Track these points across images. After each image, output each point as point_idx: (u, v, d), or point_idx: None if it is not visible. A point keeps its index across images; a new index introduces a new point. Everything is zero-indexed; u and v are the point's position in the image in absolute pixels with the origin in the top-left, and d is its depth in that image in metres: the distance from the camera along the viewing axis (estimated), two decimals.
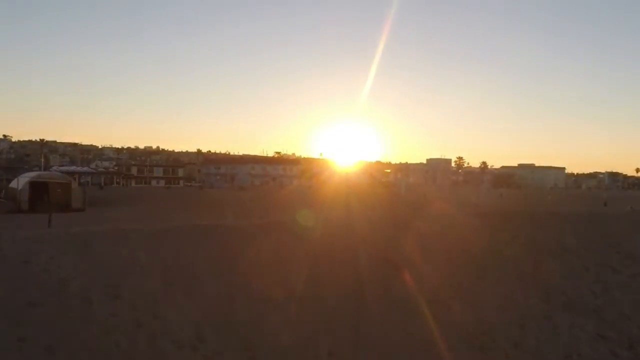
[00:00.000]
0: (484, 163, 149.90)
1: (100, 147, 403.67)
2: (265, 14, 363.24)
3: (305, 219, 13.01)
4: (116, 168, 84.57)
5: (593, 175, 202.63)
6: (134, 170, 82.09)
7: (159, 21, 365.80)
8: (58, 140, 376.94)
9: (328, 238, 11.61)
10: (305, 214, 14.53)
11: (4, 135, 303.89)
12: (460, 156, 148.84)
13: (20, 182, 34.75)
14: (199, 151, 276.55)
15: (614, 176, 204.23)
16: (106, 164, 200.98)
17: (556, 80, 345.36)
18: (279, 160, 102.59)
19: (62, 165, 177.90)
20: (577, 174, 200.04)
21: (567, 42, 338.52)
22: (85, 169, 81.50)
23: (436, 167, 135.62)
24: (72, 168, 79.11)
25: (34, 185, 34.95)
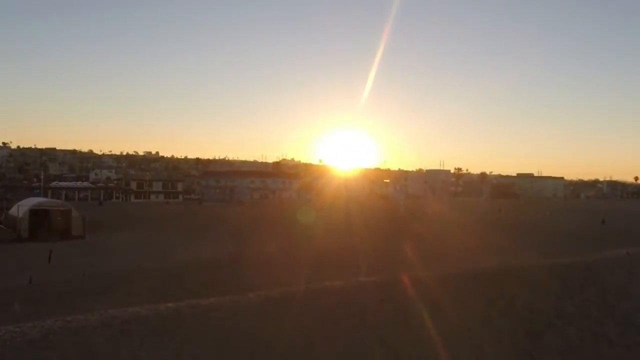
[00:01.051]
0: (482, 173, 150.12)
1: (100, 152, 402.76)
2: (268, 21, 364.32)
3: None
4: (115, 182, 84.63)
5: (592, 184, 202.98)
6: (133, 185, 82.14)
7: (160, 25, 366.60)
8: (57, 148, 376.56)
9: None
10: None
11: (3, 143, 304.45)
12: (459, 167, 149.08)
13: (21, 210, 34.87)
14: (198, 160, 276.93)
15: (612, 185, 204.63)
16: (105, 172, 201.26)
17: (555, 88, 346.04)
18: (278, 174, 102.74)
19: (62, 180, 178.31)
20: (577, 181, 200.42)
21: (566, 51, 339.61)
22: (85, 184, 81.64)
23: (435, 178, 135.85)
24: (72, 184, 79.24)
25: (34, 213, 35.09)
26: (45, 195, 73.01)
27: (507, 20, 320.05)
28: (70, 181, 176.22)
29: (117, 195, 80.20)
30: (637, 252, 21.52)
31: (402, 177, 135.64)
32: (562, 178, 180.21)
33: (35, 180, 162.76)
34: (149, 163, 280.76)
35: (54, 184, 77.34)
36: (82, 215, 36.68)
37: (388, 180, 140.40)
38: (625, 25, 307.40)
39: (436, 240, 37.69)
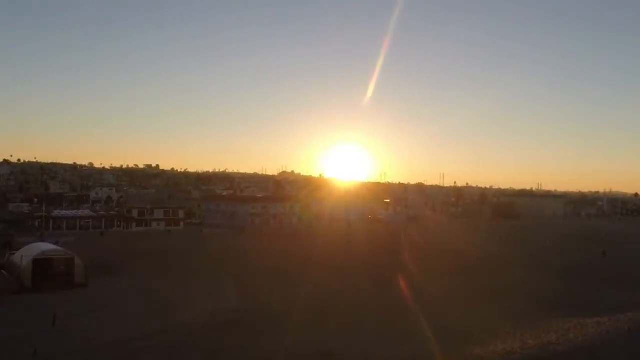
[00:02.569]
0: (483, 194, 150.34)
1: (100, 165, 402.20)
2: (269, 37, 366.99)
3: None
4: (117, 209, 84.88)
5: (592, 202, 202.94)
6: (134, 213, 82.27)
7: (162, 40, 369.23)
8: (58, 162, 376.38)
9: None
10: None
11: (5, 160, 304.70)
12: (459, 186, 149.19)
13: (24, 260, 35.08)
14: (198, 176, 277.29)
15: (613, 202, 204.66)
16: (106, 190, 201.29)
17: (556, 100, 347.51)
18: (278, 199, 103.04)
19: (62, 199, 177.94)
20: (577, 199, 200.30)
21: (567, 64, 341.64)
22: (87, 212, 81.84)
23: (435, 199, 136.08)
24: (73, 213, 79.43)
25: (37, 262, 35.29)
26: (47, 226, 73.41)
27: (508, 35, 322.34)
28: (71, 200, 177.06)
29: (119, 223, 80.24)
30: (637, 325, 21.53)
31: (403, 198, 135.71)
32: (562, 197, 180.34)
33: (35, 200, 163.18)
34: (150, 179, 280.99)
35: (56, 213, 77.43)
36: (85, 264, 36.89)
37: (388, 200, 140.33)
38: (626, 41, 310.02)
39: (435, 285, 37.81)
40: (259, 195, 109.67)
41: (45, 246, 37.96)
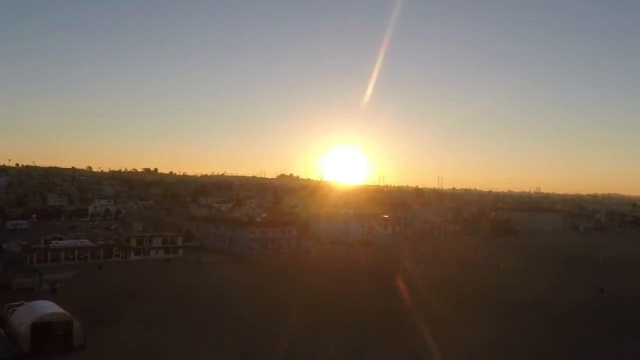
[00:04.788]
0: (482, 211, 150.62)
1: (99, 169, 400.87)
2: (268, 40, 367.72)
3: None
4: (115, 238, 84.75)
5: (590, 215, 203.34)
6: (133, 242, 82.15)
7: (161, 43, 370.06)
8: (56, 165, 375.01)
9: None
10: None
11: (3, 166, 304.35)
12: (459, 207, 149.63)
13: (23, 326, 34.95)
14: (196, 190, 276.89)
15: (611, 215, 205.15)
16: (104, 203, 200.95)
17: (556, 102, 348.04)
18: (277, 223, 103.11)
19: (60, 212, 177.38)
20: (575, 213, 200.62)
21: (567, 66, 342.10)
22: (86, 241, 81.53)
23: (433, 219, 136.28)
24: (71, 243, 79.25)
25: (36, 327, 35.14)
26: (45, 259, 73.24)
27: (507, 39, 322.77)
28: (70, 214, 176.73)
29: (117, 252, 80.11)
30: None
31: (402, 215, 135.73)
32: (560, 212, 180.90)
33: (34, 216, 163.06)
34: (148, 188, 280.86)
35: (54, 244, 77.21)
36: (84, 325, 36.76)
37: (387, 216, 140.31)
38: (628, 49, 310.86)
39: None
40: (257, 219, 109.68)
41: (44, 308, 37.76)
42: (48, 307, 38.21)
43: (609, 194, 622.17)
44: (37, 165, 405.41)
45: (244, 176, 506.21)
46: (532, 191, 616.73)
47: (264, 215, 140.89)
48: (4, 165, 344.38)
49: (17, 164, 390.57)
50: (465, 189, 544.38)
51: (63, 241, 79.91)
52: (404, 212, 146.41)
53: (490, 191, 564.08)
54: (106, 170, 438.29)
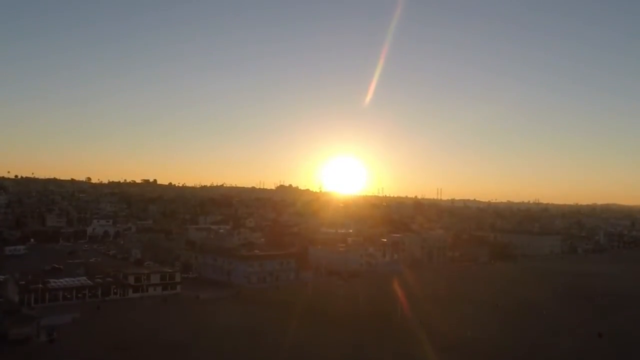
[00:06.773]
0: (481, 236, 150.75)
1: (98, 180, 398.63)
2: (268, 48, 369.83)
3: None
4: (113, 275, 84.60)
5: (589, 235, 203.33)
6: (131, 280, 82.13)
7: (162, 50, 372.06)
8: (55, 177, 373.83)
9: None
10: None
11: (2, 178, 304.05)
12: (457, 232, 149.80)
13: None
14: (195, 208, 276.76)
15: (610, 235, 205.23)
16: (103, 223, 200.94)
17: (556, 111, 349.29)
18: (274, 256, 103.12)
19: (59, 232, 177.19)
20: (574, 236, 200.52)
21: (568, 73, 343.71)
22: (84, 279, 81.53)
23: (432, 245, 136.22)
24: (69, 282, 79.18)
25: None
26: (43, 299, 73.18)
27: (507, 44, 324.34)
28: (68, 237, 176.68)
29: (115, 290, 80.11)
30: None
31: (400, 241, 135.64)
32: (559, 236, 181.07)
33: (32, 240, 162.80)
34: (147, 205, 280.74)
35: (52, 283, 77.20)
36: None
37: (385, 240, 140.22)
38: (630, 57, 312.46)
39: None
40: (256, 250, 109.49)
41: None
42: None
43: (607, 204, 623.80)
44: (36, 176, 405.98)
45: (244, 187, 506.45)
46: (531, 201, 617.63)
47: (262, 240, 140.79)
48: (2, 177, 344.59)
49: (16, 176, 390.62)
50: (464, 200, 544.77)
51: (61, 280, 79.73)
52: (403, 234, 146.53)
53: (489, 202, 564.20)
54: (105, 181, 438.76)
